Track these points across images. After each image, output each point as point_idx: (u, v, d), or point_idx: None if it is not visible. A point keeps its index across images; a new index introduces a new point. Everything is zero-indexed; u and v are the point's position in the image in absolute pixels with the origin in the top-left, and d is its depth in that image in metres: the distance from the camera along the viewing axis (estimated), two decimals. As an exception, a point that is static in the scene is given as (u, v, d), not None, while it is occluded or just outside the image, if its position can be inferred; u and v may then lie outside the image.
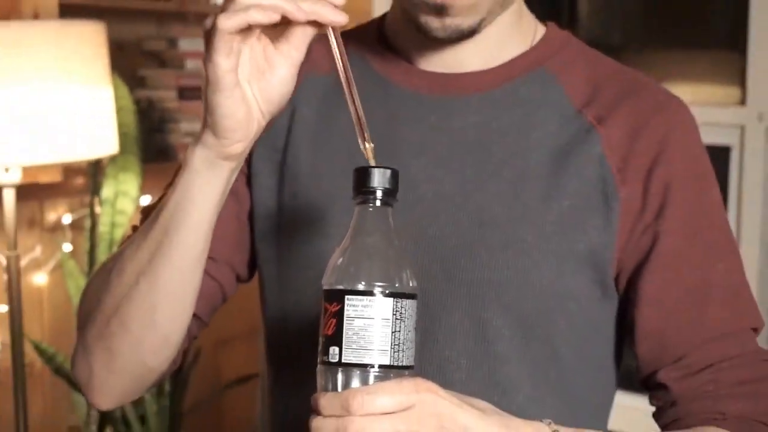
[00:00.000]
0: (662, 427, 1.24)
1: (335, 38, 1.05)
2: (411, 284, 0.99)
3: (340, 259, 0.99)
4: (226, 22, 1.00)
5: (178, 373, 2.88)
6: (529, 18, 1.30)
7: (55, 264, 2.98)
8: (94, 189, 2.85)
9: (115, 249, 2.76)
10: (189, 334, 1.24)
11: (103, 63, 2.47)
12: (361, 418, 0.93)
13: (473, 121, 1.24)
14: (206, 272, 1.19)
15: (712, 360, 1.20)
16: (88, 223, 2.84)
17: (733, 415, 1.18)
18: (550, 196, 1.20)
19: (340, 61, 1.05)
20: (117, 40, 3.10)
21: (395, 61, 1.29)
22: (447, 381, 1.18)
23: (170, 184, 1.28)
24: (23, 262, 2.83)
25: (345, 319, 0.96)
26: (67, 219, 3.00)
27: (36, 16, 2.73)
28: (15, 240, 2.49)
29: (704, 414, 1.19)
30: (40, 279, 2.97)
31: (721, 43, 3.40)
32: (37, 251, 2.95)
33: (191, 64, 3.27)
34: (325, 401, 0.95)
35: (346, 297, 0.97)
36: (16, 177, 2.44)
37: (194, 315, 1.22)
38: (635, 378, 1.26)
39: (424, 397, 0.96)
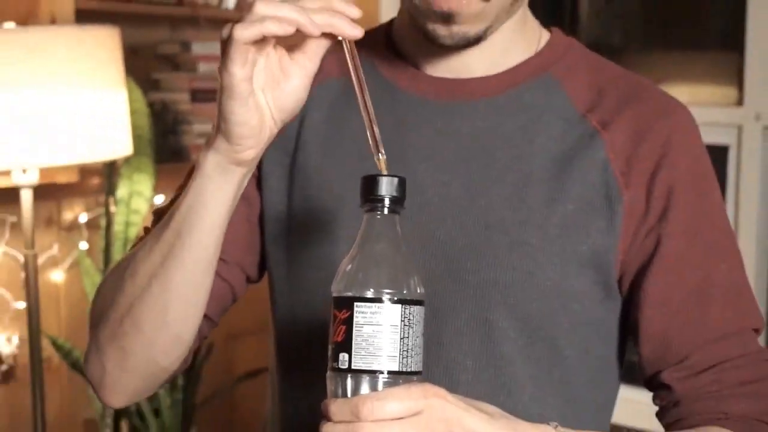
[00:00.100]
0: (665, 426, 1.22)
1: (350, 51, 1.05)
2: (419, 291, 0.97)
3: (349, 267, 0.97)
4: (243, 33, 0.99)
5: (191, 368, 2.87)
6: (534, 24, 1.28)
7: (72, 262, 2.98)
8: (110, 189, 2.85)
9: (129, 247, 2.75)
10: (200, 333, 1.23)
11: (117, 67, 2.46)
12: (371, 424, 0.92)
13: (479, 126, 1.22)
14: (217, 273, 1.18)
15: (715, 361, 1.18)
16: (103, 222, 2.84)
17: (736, 415, 1.17)
18: (555, 200, 1.18)
19: (355, 74, 1.04)
20: (132, 44, 3.10)
21: (402, 67, 1.27)
22: (453, 382, 1.17)
23: (182, 186, 1.27)
24: (41, 260, 2.84)
25: (354, 325, 0.95)
26: (83, 218, 3.01)
27: (53, 21, 2.72)
28: (33, 239, 2.48)
29: (707, 414, 1.18)
30: (57, 276, 2.97)
31: (718, 44, 3.39)
32: (55, 249, 2.95)
33: (204, 67, 3.26)
34: (335, 407, 0.94)
35: (355, 304, 0.95)
36: (33, 178, 2.44)
37: (205, 315, 1.21)
38: (638, 374, 1.24)
39: (433, 402, 0.94)
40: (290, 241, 1.26)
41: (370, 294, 0.95)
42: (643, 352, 1.21)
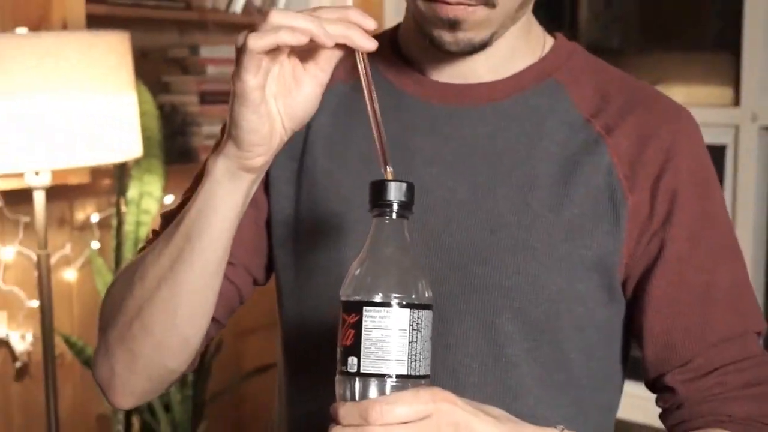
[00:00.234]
0: (669, 429, 1.21)
1: (363, 63, 1.03)
2: (427, 295, 0.96)
3: (358, 271, 0.96)
4: (257, 42, 0.98)
5: (201, 364, 2.86)
6: (538, 30, 1.26)
7: (84, 261, 2.97)
8: (120, 190, 2.85)
9: (139, 247, 2.74)
10: (207, 335, 1.22)
11: (127, 71, 2.46)
12: (380, 427, 0.90)
13: (484, 131, 1.21)
14: (224, 276, 1.16)
15: (719, 363, 1.17)
16: (114, 222, 2.83)
17: (740, 417, 1.15)
18: (560, 204, 1.17)
19: (366, 88, 1.03)
20: (142, 47, 3.10)
21: (407, 72, 1.25)
22: (460, 385, 1.15)
23: (190, 189, 1.26)
24: (54, 259, 2.85)
25: (363, 330, 0.93)
26: (95, 218, 3.00)
27: (64, 26, 2.71)
28: (45, 239, 2.48)
29: (711, 416, 1.16)
30: (69, 275, 2.97)
31: (714, 45, 3.38)
32: (67, 249, 2.95)
33: (212, 70, 3.26)
34: (344, 411, 0.92)
35: (364, 308, 0.93)
36: (45, 180, 2.43)
37: (212, 318, 1.19)
38: (641, 371, 1.23)
39: (441, 406, 0.93)
40: (298, 244, 1.25)
41: (378, 298, 0.93)
42: (646, 355, 1.20)
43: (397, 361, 0.93)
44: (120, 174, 2.86)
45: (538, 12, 1.26)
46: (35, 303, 2.75)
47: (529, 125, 1.20)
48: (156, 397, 2.78)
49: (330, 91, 1.23)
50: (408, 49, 1.26)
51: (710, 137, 2.88)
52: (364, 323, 0.93)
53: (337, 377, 0.95)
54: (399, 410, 0.90)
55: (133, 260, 1.20)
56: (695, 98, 3.28)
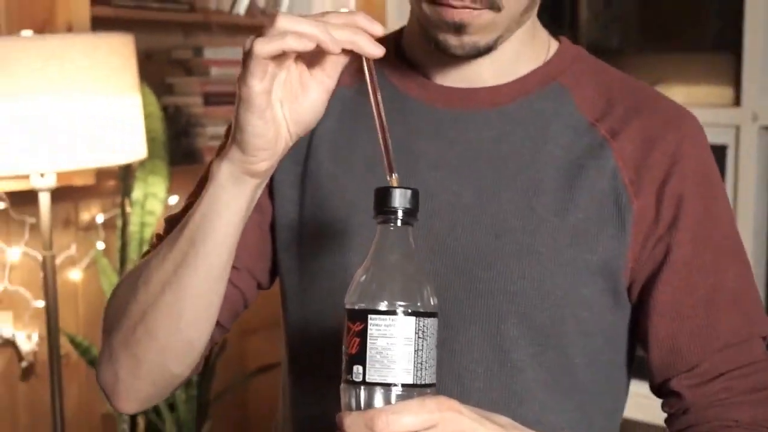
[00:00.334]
0: None
1: (369, 70, 1.01)
2: (432, 302, 0.94)
3: (363, 279, 0.94)
4: (263, 48, 0.96)
5: (206, 364, 2.84)
6: (543, 34, 1.24)
7: (89, 261, 2.96)
8: (125, 191, 2.83)
9: (144, 248, 2.74)
10: (211, 340, 1.20)
11: (132, 73, 2.44)
12: None
13: (489, 135, 1.18)
14: (229, 280, 1.14)
15: (725, 368, 1.15)
16: (119, 223, 2.82)
17: (746, 422, 1.14)
18: (564, 209, 1.15)
19: (373, 95, 1.01)
20: (146, 49, 3.08)
21: (412, 75, 1.23)
22: (465, 390, 1.13)
23: (194, 193, 1.24)
24: (60, 260, 2.83)
25: (368, 338, 0.91)
26: (100, 219, 2.99)
27: (69, 28, 2.69)
28: (50, 240, 2.46)
29: (717, 421, 1.14)
30: (75, 275, 2.95)
31: (714, 45, 3.36)
32: (73, 249, 2.93)
33: (215, 72, 3.24)
34: (350, 420, 0.90)
35: (369, 316, 0.91)
36: (51, 182, 2.41)
37: (216, 322, 1.17)
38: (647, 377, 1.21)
39: (447, 415, 0.91)
40: (302, 249, 1.23)
41: (384, 307, 0.91)
42: (652, 359, 1.18)
43: (403, 369, 0.91)
44: (125, 175, 2.84)
45: (538, 12, 1.24)
46: (41, 303, 2.74)
47: (533, 129, 1.18)
48: (161, 397, 2.78)
49: (334, 95, 1.21)
50: (412, 52, 1.24)
51: (711, 137, 2.82)
52: (369, 332, 0.91)
53: (342, 385, 0.94)
54: (405, 420, 0.88)
55: (137, 265, 1.19)
56: (695, 98, 3.26)
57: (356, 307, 0.93)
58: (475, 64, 1.18)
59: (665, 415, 1.22)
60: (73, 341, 2.76)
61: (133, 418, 2.84)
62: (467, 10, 1.08)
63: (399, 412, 0.89)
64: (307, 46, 0.96)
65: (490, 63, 1.18)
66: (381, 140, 0.99)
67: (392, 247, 0.94)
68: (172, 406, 2.84)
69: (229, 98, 3.22)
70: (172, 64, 3.26)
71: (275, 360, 2.95)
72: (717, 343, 1.15)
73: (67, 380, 2.78)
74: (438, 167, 1.18)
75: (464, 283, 1.14)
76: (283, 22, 0.97)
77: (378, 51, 0.99)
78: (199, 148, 3.19)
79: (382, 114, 1.00)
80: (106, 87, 2.34)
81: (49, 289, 2.48)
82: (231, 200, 1.06)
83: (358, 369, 0.92)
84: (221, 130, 3.15)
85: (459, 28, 1.10)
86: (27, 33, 2.46)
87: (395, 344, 0.91)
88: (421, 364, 0.92)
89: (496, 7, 1.09)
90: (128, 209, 2.82)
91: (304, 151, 1.23)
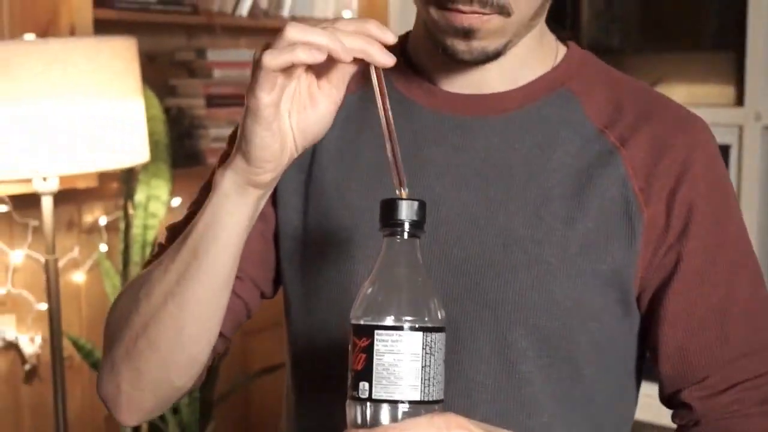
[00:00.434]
0: None
1: (378, 80, 0.98)
2: (440, 316, 0.90)
3: (369, 293, 0.91)
4: (272, 61, 0.93)
5: (209, 365, 2.81)
6: (550, 39, 1.21)
7: (92, 263, 2.94)
8: (128, 194, 2.81)
9: (147, 250, 2.73)
10: (214, 350, 1.17)
11: (134, 76, 2.42)
12: None
13: (496, 141, 1.15)
14: (232, 290, 1.11)
15: (737, 380, 1.12)
16: (122, 225, 2.80)
17: None
18: (574, 218, 1.11)
19: (382, 107, 0.98)
20: (149, 51, 3.06)
21: (417, 81, 1.20)
22: (473, 402, 1.11)
23: (195, 201, 1.21)
24: (63, 262, 2.82)
25: (375, 354, 0.88)
26: (103, 221, 2.97)
27: (72, 31, 2.67)
28: (53, 244, 2.44)
29: None
30: (78, 278, 2.93)
31: (715, 44, 3.34)
32: (76, 252, 2.91)
33: (218, 74, 3.21)
34: None
35: (376, 332, 0.88)
36: (53, 185, 2.39)
37: (219, 333, 1.14)
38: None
39: None
40: (306, 258, 1.19)
41: (390, 322, 0.88)
42: (662, 370, 1.15)
43: (411, 386, 0.88)
44: (127, 178, 2.82)
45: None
46: (44, 306, 2.72)
47: (541, 136, 1.15)
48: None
49: None
50: (418, 58, 1.20)
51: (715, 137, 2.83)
52: (375, 347, 0.88)
53: (348, 402, 0.91)
54: None
55: (139, 275, 1.16)
56: (696, 97, 3.24)
57: (362, 322, 0.90)
58: (483, 70, 1.14)
59: (667, 413, 1.18)
60: (76, 344, 2.73)
61: (136, 421, 2.81)
62: (476, 15, 1.05)
63: (406, 430, 0.86)
64: (318, 58, 0.93)
65: (498, 69, 1.14)
66: (390, 153, 0.96)
67: (399, 260, 0.92)
68: (174, 409, 2.81)
69: (232, 100, 3.20)
70: (175, 65, 3.24)
71: (279, 361, 2.93)
72: (728, 353, 1.12)
73: (70, 383, 2.75)
74: (444, 175, 1.15)
75: (471, 293, 1.11)
76: (292, 32, 0.94)
77: (390, 60, 0.96)
78: (202, 149, 3.17)
79: (392, 127, 0.97)
80: (108, 90, 2.32)
81: (52, 292, 2.45)
82: (235, 210, 1.03)
83: (364, 385, 0.89)
84: (224, 131, 3.14)
85: (467, 34, 1.07)
86: (30, 37, 2.44)
87: (402, 360, 0.88)
88: (429, 380, 0.89)
89: (505, 12, 1.06)
90: (131, 212, 2.79)
91: (308, 158, 1.20)
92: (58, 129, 2.24)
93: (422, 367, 0.88)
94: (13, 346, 2.78)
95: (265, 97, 0.95)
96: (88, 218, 2.95)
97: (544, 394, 1.12)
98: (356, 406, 0.89)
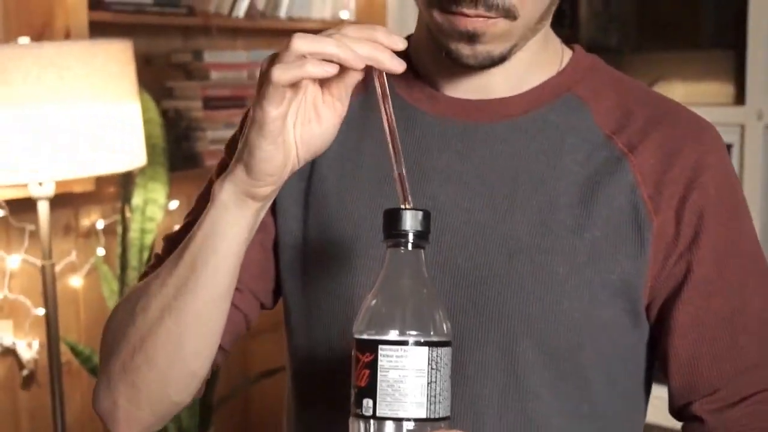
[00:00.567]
0: None
1: (383, 90, 0.95)
2: (445, 329, 0.87)
3: (372, 306, 0.87)
4: (282, 76, 0.90)
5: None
6: (556, 42, 1.17)
7: (90, 267, 2.91)
8: (125, 197, 2.78)
9: (145, 254, 2.70)
10: (213, 363, 1.13)
11: (130, 79, 2.39)
12: None
13: (501, 148, 1.12)
14: (231, 302, 1.08)
15: (747, 392, 1.09)
16: (119, 229, 2.77)
17: None
18: (581, 226, 1.08)
19: (386, 118, 0.95)
20: (146, 53, 3.04)
21: (419, 86, 1.16)
22: (478, 417, 1.07)
23: (192, 211, 1.19)
24: (60, 267, 2.80)
25: (379, 370, 0.85)
26: (100, 225, 2.94)
27: (67, 33, 2.65)
28: (50, 249, 2.42)
29: None
30: (75, 282, 2.90)
31: (713, 42, 3.32)
32: (73, 256, 2.89)
33: (215, 75, 3.19)
34: None
35: (380, 347, 0.85)
36: (49, 190, 2.37)
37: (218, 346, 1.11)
38: (668, 407, 1.15)
39: None
40: (306, 268, 1.16)
41: (394, 336, 0.85)
42: (672, 382, 1.11)
43: (416, 403, 0.85)
44: (125, 182, 2.80)
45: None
46: (41, 311, 2.69)
47: (547, 143, 1.11)
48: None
49: None
50: (420, 62, 1.16)
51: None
52: (379, 363, 0.85)
53: (351, 419, 0.88)
54: None
55: (135, 288, 1.12)
56: (695, 96, 3.22)
57: (365, 337, 0.87)
58: (487, 75, 1.11)
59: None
60: (74, 349, 2.71)
61: (135, 426, 2.78)
62: (481, 18, 1.02)
63: None
64: (328, 73, 0.91)
65: (502, 73, 1.11)
66: (395, 165, 0.93)
67: (403, 272, 0.89)
68: (174, 414, 2.79)
69: (230, 102, 3.18)
70: (172, 67, 3.22)
71: (279, 363, 2.91)
72: (740, 365, 1.09)
73: (68, 388, 2.73)
74: (448, 182, 1.11)
75: (476, 304, 1.08)
76: (299, 44, 0.91)
77: (399, 67, 0.94)
78: (199, 152, 3.15)
79: (397, 140, 0.94)
80: (104, 94, 2.29)
81: (49, 297, 2.44)
82: (234, 222, 1.00)
83: (368, 402, 0.86)
84: (221, 134, 3.11)
85: (472, 38, 1.04)
86: (24, 40, 2.41)
87: (407, 376, 0.85)
88: (435, 396, 0.86)
89: (511, 16, 1.03)
90: (128, 215, 2.77)
91: (309, 166, 1.16)
92: (53, 133, 2.22)
93: (428, 383, 0.85)
94: (10, 352, 2.75)
95: (273, 111, 0.92)
96: (85, 222, 2.92)
97: (551, 408, 1.09)
98: (360, 423, 0.86)
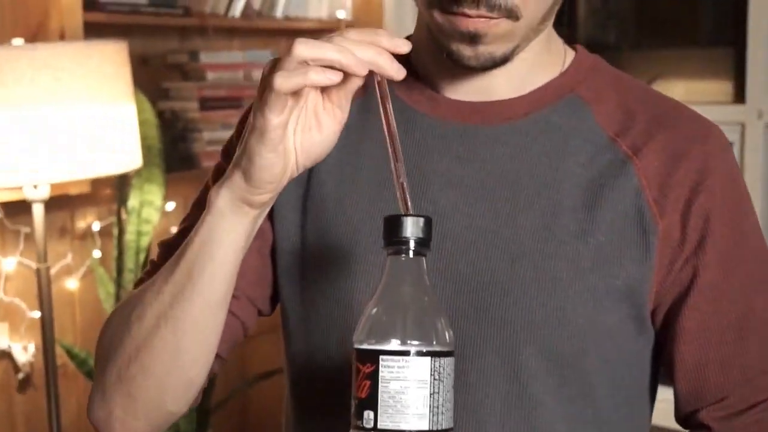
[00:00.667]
0: None
1: (383, 97, 0.94)
2: (447, 338, 0.85)
3: (373, 315, 0.85)
4: (284, 84, 0.88)
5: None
6: (558, 42, 1.15)
7: (86, 270, 2.90)
8: (121, 199, 2.76)
9: (141, 256, 2.68)
10: (209, 372, 1.11)
11: (125, 80, 2.37)
12: None
13: (502, 151, 1.09)
14: (228, 309, 1.06)
15: (756, 399, 1.07)
16: (115, 231, 2.75)
17: None
18: (585, 231, 1.06)
19: (387, 125, 0.93)
20: (141, 54, 3.03)
21: (419, 88, 1.14)
22: (481, 425, 1.05)
23: (188, 217, 1.17)
24: (56, 269, 2.78)
25: (380, 381, 0.83)
26: (96, 227, 2.92)
27: (62, 34, 2.63)
28: (45, 252, 2.40)
29: None
30: (71, 284, 2.89)
31: (712, 40, 3.31)
32: (69, 258, 2.87)
33: (212, 76, 3.18)
34: None
35: (381, 358, 0.83)
36: (44, 193, 2.35)
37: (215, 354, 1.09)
38: (674, 414, 1.13)
39: None
40: (304, 273, 1.14)
41: (396, 346, 0.83)
42: (678, 389, 1.09)
43: (418, 415, 0.83)
44: (120, 184, 2.78)
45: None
46: (37, 314, 2.67)
47: (550, 145, 1.09)
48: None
49: None
50: (420, 63, 1.14)
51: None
52: (381, 374, 0.83)
53: (352, 431, 0.85)
54: None
55: (131, 295, 1.10)
56: (694, 94, 3.20)
57: (366, 347, 0.84)
58: (488, 76, 1.09)
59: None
60: (69, 353, 2.70)
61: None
62: (483, 19, 1.00)
63: None
64: (331, 80, 0.89)
65: (505, 74, 1.09)
66: (395, 171, 0.91)
67: (404, 279, 0.86)
68: (171, 417, 2.77)
69: (226, 103, 3.17)
70: (168, 68, 3.21)
71: (277, 365, 2.89)
72: (747, 372, 1.07)
73: (65, 391, 2.71)
74: (449, 186, 1.09)
75: (478, 311, 1.05)
76: (301, 50, 0.89)
77: (400, 74, 0.92)
78: (196, 153, 3.14)
79: (398, 145, 0.92)
80: (99, 95, 2.27)
81: (44, 300, 2.42)
82: (230, 228, 0.98)
83: (368, 414, 0.83)
84: (218, 134, 3.10)
85: (474, 38, 1.01)
86: (18, 42, 2.39)
87: (409, 387, 0.83)
88: (437, 408, 0.83)
89: (514, 16, 1.00)
90: (124, 217, 2.75)
91: (307, 171, 1.13)
92: (48, 135, 2.20)
93: (430, 394, 0.83)
94: (6, 355, 2.74)
95: (274, 119, 0.90)
96: (81, 224, 2.91)
97: (555, 416, 1.07)
98: (361, 436, 0.84)
